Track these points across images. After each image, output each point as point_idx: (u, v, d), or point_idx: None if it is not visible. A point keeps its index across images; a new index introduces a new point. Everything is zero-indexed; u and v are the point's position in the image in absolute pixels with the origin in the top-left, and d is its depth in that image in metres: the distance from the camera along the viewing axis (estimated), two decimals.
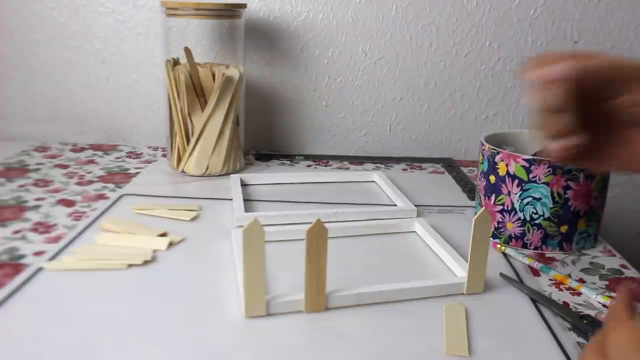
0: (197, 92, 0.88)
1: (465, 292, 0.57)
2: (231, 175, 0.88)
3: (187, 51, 0.87)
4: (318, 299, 0.53)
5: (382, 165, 1.02)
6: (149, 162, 0.98)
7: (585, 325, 0.52)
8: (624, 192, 1.14)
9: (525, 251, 0.69)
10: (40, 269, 0.59)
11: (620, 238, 1.13)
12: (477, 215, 0.55)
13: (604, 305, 0.57)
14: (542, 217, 0.67)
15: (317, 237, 0.50)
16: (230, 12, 0.91)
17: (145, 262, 0.61)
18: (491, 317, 0.54)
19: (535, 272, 0.64)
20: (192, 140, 0.89)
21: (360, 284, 0.55)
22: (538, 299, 0.57)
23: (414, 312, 0.54)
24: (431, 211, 0.80)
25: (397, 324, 0.52)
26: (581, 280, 0.62)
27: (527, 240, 0.69)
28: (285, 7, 1.02)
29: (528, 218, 0.68)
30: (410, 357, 0.48)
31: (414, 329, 0.52)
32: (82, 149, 1.04)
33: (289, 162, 1.02)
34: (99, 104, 1.08)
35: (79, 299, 0.54)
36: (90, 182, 0.87)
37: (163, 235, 0.68)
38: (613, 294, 0.59)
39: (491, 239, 0.68)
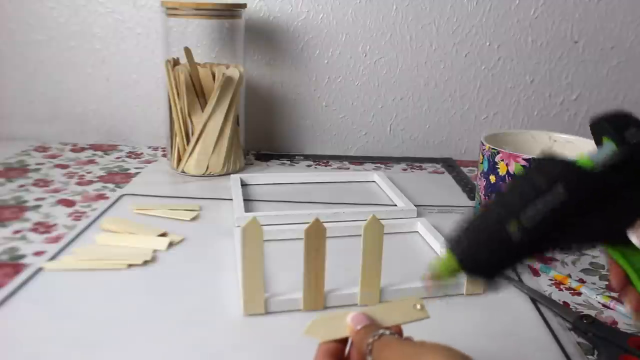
0: (197, 92, 0.88)
1: (464, 293, 0.57)
2: (231, 175, 0.88)
3: (187, 51, 0.87)
4: (316, 298, 0.53)
5: (382, 165, 1.02)
6: (149, 162, 0.98)
7: (585, 325, 0.52)
8: None
9: None
10: (40, 269, 0.59)
11: None
12: None
13: (604, 305, 0.57)
14: None
15: (316, 237, 0.50)
16: (230, 12, 0.91)
17: (145, 262, 0.61)
18: (491, 317, 0.54)
19: (535, 272, 0.64)
20: (192, 140, 0.89)
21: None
22: (538, 299, 0.57)
23: None
24: (431, 211, 0.80)
25: None
26: (581, 280, 0.62)
27: None
28: (285, 7, 1.02)
29: None
30: None
31: (414, 329, 0.51)
32: (82, 149, 1.04)
33: (289, 162, 1.02)
34: (99, 104, 1.08)
35: (79, 299, 0.54)
36: (90, 182, 0.87)
37: (163, 235, 0.68)
38: (613, 294, 0.59)
39: None
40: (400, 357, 0.36)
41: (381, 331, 0.38)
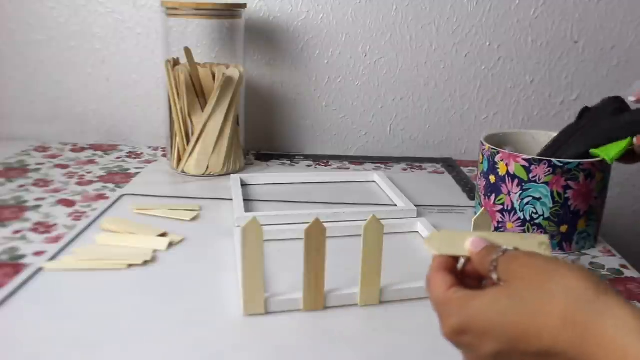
0: (197, 92, 0.88)
1: None
2: (231, 175, 0.88)
3: (187, 51, 0.87)
4: (316, 298, 0.53)
5: (382, 165, 1.02)
6: (149, 162, 0.98)
7: None
8: (624, 192, 1.14)
9: None
10: (40, 269, 0.59)
11: (620, 238, 1.13)
12: (476, 216, 0.55)
13: None
14: (542, 217, 0.67)
15: (316, 237, 0.50)
16: (230, 12, 0.91)
17: (145, 262, 0.61)
18: None
19: None
20: (192, 140, 0.89)
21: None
22: None
23: (414, 312, 0.54)
24: (431, 211, 0.80)
25: (397, 324, 0.52)
26: None
27: None
28: (285, 7, 1.02)
29: (528, 218, 0.68)
30: (409, 357, 0.48)
31: (413, 329, 0.52)
32: (82, 149, 1.04)
33: (289, 162, 1.02)
34: (99, 104, 1.08)
35: (79, 299, 0.54)
36: (90, 182, 0.87)
37: (163, 235, 0.68)
38: None
39: None
40: (530, 269, 0.34)
41: (505, 247, 0.37)
